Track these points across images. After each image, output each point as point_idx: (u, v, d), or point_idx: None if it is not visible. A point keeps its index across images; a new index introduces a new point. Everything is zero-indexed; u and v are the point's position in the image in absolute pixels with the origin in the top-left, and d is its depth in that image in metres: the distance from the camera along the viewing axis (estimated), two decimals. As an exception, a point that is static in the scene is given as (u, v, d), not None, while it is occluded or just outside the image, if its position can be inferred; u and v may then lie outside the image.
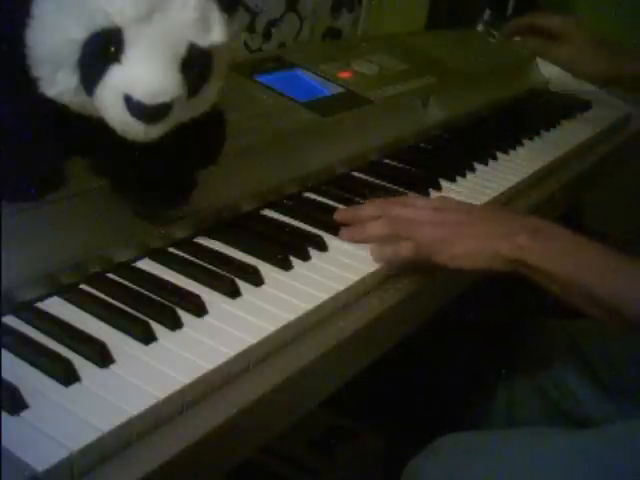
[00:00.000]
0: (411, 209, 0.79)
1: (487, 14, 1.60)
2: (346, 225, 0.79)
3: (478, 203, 0.90)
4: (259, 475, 1.13)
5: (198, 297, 0.63)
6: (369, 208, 0.81)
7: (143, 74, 0.55)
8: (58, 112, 0.59)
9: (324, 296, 0.67)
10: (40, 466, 0.44)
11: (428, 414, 1.17)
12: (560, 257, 0.72)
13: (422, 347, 1.08)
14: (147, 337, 0.57)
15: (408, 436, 0.94)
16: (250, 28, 1.16)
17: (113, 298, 0.62)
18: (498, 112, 1.31)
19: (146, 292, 0.63)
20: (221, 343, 0.58)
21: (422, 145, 1.10)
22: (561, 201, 1.08)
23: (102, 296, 0.62)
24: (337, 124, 0.97)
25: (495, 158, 1.08)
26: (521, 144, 1.16)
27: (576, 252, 0.73)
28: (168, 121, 0.57)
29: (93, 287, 0.63)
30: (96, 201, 0.66)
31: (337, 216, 0.81)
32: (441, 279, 0.80)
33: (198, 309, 0.62)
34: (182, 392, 0.53)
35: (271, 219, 0.81)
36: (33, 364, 0.53)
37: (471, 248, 0.74)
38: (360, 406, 1.23)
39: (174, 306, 0.61)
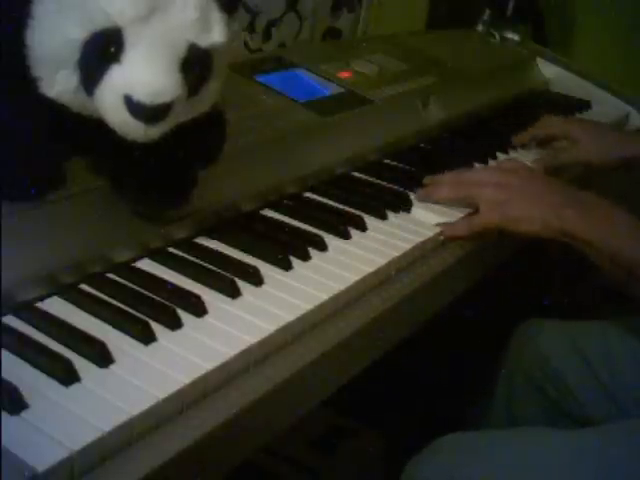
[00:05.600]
0: (478, 172, 0.92)
1: (487, 14, 1.60)
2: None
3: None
4: (259, 475, 1.13)
5: (198, 297, 0.63)
6: (447, 174, 0.91)
7: (143, 74, 0.55)
8: (58, 112, 0.59)
9: (324, 296, 0.67)
10: (40, 466, 0.44)
11: (428, 414, 1.17)
12: (606, 231, 0.78)
13: (422, 347, 1.08)
14: (147, 337, 0.57)
15: (408, 436, 0.94)
16: (250, 28, 1.16)
17: (113, 298, 0.62)
18: (498, 112, 1.31)
19: (146, 292, 0.63)
20: (221, 343, 0.58)
21: (422, 145, 1.10)
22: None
23: (102, 296, 0.62)
24: (337, 124, 0.97)
25: (495, 158, 1.08)
26: (521, 144, 1.16)
27: (623, 227, 0.78)
28: (168, 121, 0.57)
29: (93, 287, 0.63)
30: (96, 201, 0.66)
31: (425, 180, 0.92)
32: (440, 279, 0.80)
33: (198, 309, 0.62)
34: (182, 392, 0.53)
35: (271, 219, 0.81)
36: (33, 364, 0.53)
37: (524, 213, 0.81)
38: (360, 406, 1.23)
39: (174, 306, 0.61)
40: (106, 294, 0.62)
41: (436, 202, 0.88)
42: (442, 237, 0.83)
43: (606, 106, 1.43)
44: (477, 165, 1.03)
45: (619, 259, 0.77)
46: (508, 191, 0.84)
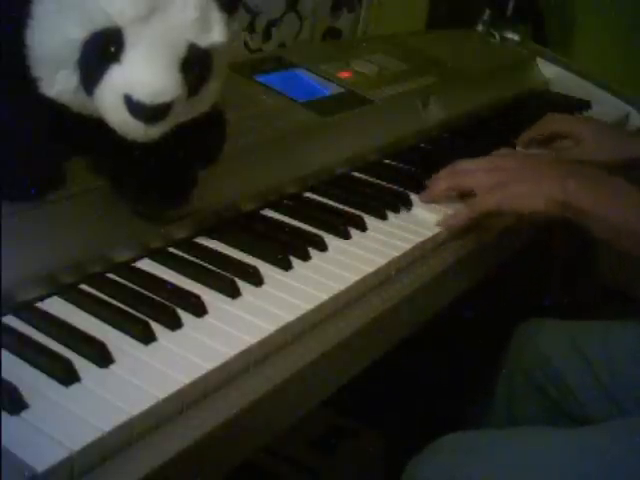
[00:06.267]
0: (471, 161, 0.88)
1: (487, 14, 1.60)
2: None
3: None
4: (259, 475, 1.13)
5: (198, 297, 0.63)
6: (443, 170, 0.90)
7: (143, 74, 0.55)
8: (58, 112, 0.59)
9: (324, 296, 0.67)
10: (40, 466, 0.44)
11: (428, 414, 1.17)
12: (608, 201, 0.77)
13: (422, 347, 1.08)
14: (147, 337, 0.57)
15: (408, 436, 0.94)
16: (250, 28, 1.16)
17: (113, 298, 0.62)
18: (498, 112, 1.31)
19: (146, 292, 0.63)
20: (221, 343, 0.58)
21: (422, 145, 1.10)
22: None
23: (102, 296, 0.62)
24: (337, 124, 0.97)
25: (495, 158, 1.08)
26: (521, 144, 1.16)
27: (625, 197, 0.77)
28: (168, 121, 0.57)
29: (93, 287, 0.63)
30: (96, 201, 0.66)
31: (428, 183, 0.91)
32: (440, 279, 0.80)
33: (198, 309, 0.62)
34: (182, 392, 0.53)
35: (271, 219, 0.81)
36: (33, 364, 0.53)
37: (524, 191, 0.80)
38: (360, 406, 1.23)
39: (174, 306, 0.61)
40: (106, 294, 0.62)
41: (435, 197, 0.88)
42: (443, 230, 0.83)
43: (606, 106, 1.43)
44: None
45: (624, 230, 0.76)
46: (504, 173, 0.83)
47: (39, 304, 0.60)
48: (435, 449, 0.79)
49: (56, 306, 0.60)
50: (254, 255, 0.71)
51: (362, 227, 0.81)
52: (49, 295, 0.61)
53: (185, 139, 0.62)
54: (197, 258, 0.70)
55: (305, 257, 0.73)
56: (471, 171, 0.86)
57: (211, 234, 0.74)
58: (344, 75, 1.09)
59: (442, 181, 0.89)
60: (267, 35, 1.20)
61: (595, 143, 1.07)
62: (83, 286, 0.63)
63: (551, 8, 1.71)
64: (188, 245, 0.72)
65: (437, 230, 0.84)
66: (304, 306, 0.65)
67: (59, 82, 0.57)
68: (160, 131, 0.58)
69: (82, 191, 0.65)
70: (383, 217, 0.84)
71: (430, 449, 0.79)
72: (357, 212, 0.84)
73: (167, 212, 0.70)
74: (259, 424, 0.59)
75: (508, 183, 0.82)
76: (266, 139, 0.86)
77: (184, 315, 0.60)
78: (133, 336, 0.57)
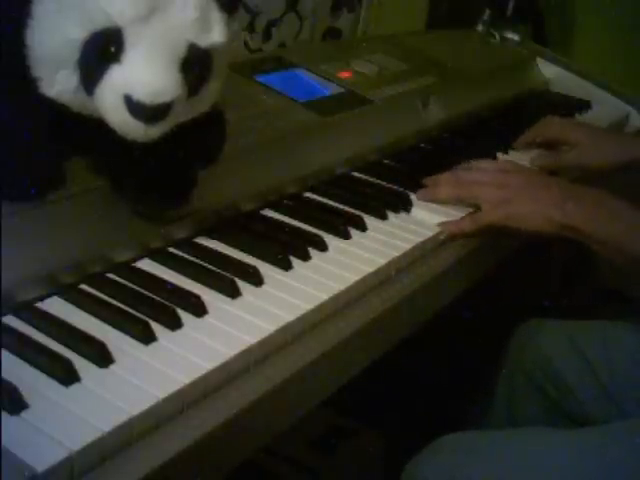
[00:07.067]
0: (477, 172, 0.91)
1: (487, 14, 1.60)
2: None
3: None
4: (259, 475, 1.13)
5: (198, 297, 0.63)
6: (446, 174, 0.92)
7: (143, 74, 0.55)
8: (58, 112, 0.59)
9: (324, 296, 0.67)
10: (40, 466, 0.44)
11: (428, 414, 1.17)
12: (606, 224, 0.79)
13: (422, 347, 1.08)
14: (147, 337, 0.57)
15: (408, 436, 0.94)
16: (250, 28, 1.16)
17: (113, 298, 0.62)
18: (498, 112, 1.31)
19: (146, 292, 0.63)
20: (221, 343, 0.58)
21: (422, 145, 1.11)
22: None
23: (102, 296, 0.62)
24: (337, 124, 0.97)
25: (495, 158, 1.08)
26: (521, 144, 1.16)
27: (624, 219, 0.79)
28: (168, 121, 0.57)
29: (93, 287, 0.63)
30: (96, 201, 0.66)
31: (425, 181, 0.92)
32: (440, 279, 0.80)
33: (198, 309, 0.62)
34: (182, 392, 0.53)
35: (271, 219, 0.81)
36: (33, 364, 0.53)
37: (526, 211, 0.83)
38: (360, 406, 1.23)
39: (174, 306, 0.61)
40: (106, 294, 0.62)
41: (436, 202, 0.89)
42: (444, 236, 0.84)
43: (606, 106, 1.43)
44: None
45: (622, 252, 0.78)
46: (509, 190, 0.85)
47: (39, 304, 0.60)
48: (435, 449, 0.79)
49: (56, 306, 0.60)
50: (254, 255, 0.71)
51: (362, 227, 0.81)
52: (49, 295, 0.61)
53: (185, 139, 0.62)
54: (197, 258, 0.70)
55: (305, 257, 0.72)
56: (477, 184, 0.87)
57: (211, 234, 0.74)
58: (344, 75, 1.09)
59: (444, 188, 0.89)
60: (267, 35, 1.20)
61: (592, 147, 1.07)
62: (83, 286, 0.63)
63: (551, 8, 1.71)
64: (188, 245, 0.72)
65: (437, 230, 0.84)
66: (304, 306, 0.65)
67: (59, 82, 0.57)
68: (160, 131, 0.58)
69: (82, 191, 0.65)
70: (383, 217, 0.84)
71: (430, 449, 0.79)
72: (357, 212, 0.84)
73: (167, 212, 0.70)
74: (259, 424, 0.59)
75: (511, 201, 0.84)
76: (266, 139, 0.86)
77: (184, 315, 0.60)
78: (133, 336, 0.57)
